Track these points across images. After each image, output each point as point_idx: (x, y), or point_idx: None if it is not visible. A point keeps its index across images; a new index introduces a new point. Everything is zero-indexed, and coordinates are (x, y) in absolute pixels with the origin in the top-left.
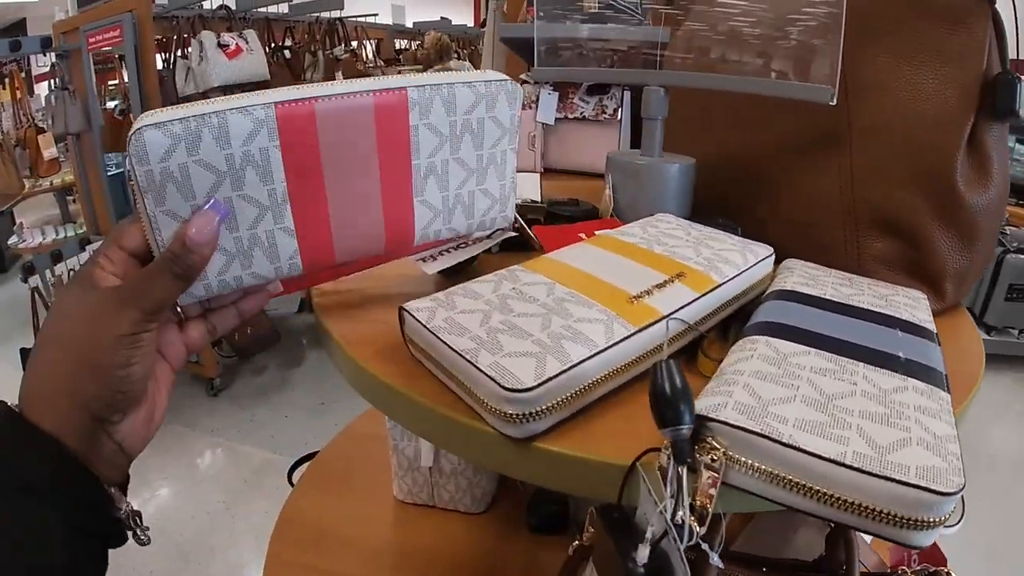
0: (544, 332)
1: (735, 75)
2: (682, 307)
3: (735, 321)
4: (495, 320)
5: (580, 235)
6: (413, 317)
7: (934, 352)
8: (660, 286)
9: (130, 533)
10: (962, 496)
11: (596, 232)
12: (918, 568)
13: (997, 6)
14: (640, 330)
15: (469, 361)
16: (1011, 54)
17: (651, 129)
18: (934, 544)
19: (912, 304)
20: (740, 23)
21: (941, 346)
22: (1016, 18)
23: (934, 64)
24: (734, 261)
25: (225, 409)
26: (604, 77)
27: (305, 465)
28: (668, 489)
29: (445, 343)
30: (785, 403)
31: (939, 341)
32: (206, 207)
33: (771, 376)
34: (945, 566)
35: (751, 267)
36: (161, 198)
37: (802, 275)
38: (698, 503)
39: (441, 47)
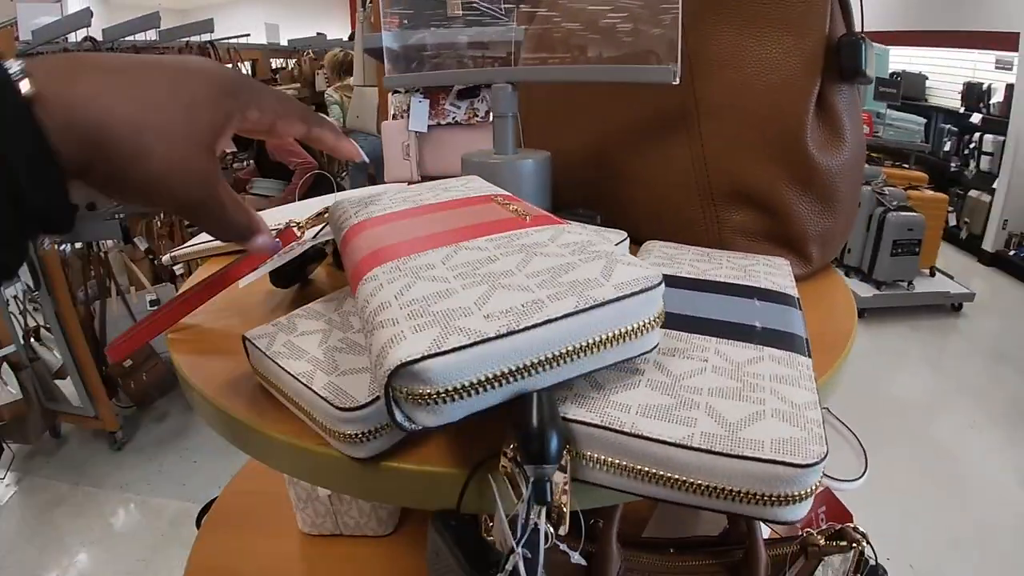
0: None
1: (580, 65)
2: None
3: None
4: (334, 339)
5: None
6: (254, 345)
7: (794, 317)
8: None
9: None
10: (864, 450)
11: None
12: (824, 527)
13: None
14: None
15: (305, 384)
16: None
17: (502, 127)
18: (837, 501)
19: (773, 271)
20: (585, 14)
21: (802, 309)
22: None
23: (777, 34)
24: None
25: (132, 462)
26: (449, 79)
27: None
28: (523, 494)
29: (283, 368)
30: (628, 390)
31: (800, 305)
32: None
33: (617, 365)
34: (851, 522)
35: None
36: None
37: (659, 256)
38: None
39: (340, 65)
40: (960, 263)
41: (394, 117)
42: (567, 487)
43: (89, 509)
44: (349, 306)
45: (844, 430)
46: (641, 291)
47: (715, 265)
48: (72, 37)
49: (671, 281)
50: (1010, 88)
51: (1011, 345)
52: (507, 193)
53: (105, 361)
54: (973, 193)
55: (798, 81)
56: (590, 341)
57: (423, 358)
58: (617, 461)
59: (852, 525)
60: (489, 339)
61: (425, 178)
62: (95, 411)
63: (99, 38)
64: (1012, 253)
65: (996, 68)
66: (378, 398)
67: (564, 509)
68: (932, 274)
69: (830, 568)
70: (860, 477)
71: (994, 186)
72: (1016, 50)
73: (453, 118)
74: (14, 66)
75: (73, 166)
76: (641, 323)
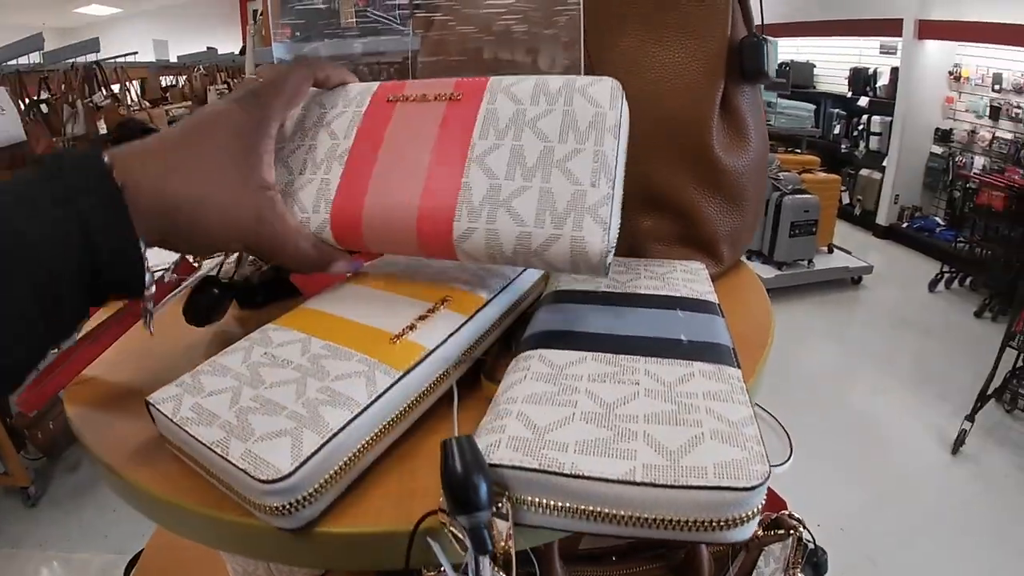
0: (299, 402)
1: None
2: (449, 336)
3: (517, 331)
4: (245, 398)
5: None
6: (159, 411)
7: (717, 325)
8: (423, 317)
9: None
10: (787, 433)
11: (364, 266)
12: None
13: None
14: (405, 374)
15: (220, 455)
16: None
17: None
18: (770, 489)
19: (691, 278)
20: (482, 20)
21: (724, 315)
22: None
23: (679, 38)
24: (503, 272)
25: (49, 517)
26: None
27: None
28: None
29: (194, 437)
30: (563, 426)
31: (721, 311)
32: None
33: (547, 397)
34: (786, 509)
35: (520, 274)
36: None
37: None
38: (497, 551)
39: None
40: (856, 239)
41: None
42: (511, 531)
43: (9, 572)
44: (258, 355)
45: (764, 414)
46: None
47: (633, 275)
48: None
49: (591, 298)
50: (895, 71)
51: (910, 311)
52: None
53: (8, 412)
54: (864, 172)
55: (701, 85)
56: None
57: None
58: (560, 503)
59: (787, 512)
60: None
61: None
62: (3, 466)
63: None
64: (905, 225)
65: (880, 53)
66: (304, 464)
67: (511, 552)
68: (830, 251)
69: (771, 557)
70: (787, 461)
71: (884, 164)
72: (900, 35)
73: None
74: (104, 157)
75: (151, 240)
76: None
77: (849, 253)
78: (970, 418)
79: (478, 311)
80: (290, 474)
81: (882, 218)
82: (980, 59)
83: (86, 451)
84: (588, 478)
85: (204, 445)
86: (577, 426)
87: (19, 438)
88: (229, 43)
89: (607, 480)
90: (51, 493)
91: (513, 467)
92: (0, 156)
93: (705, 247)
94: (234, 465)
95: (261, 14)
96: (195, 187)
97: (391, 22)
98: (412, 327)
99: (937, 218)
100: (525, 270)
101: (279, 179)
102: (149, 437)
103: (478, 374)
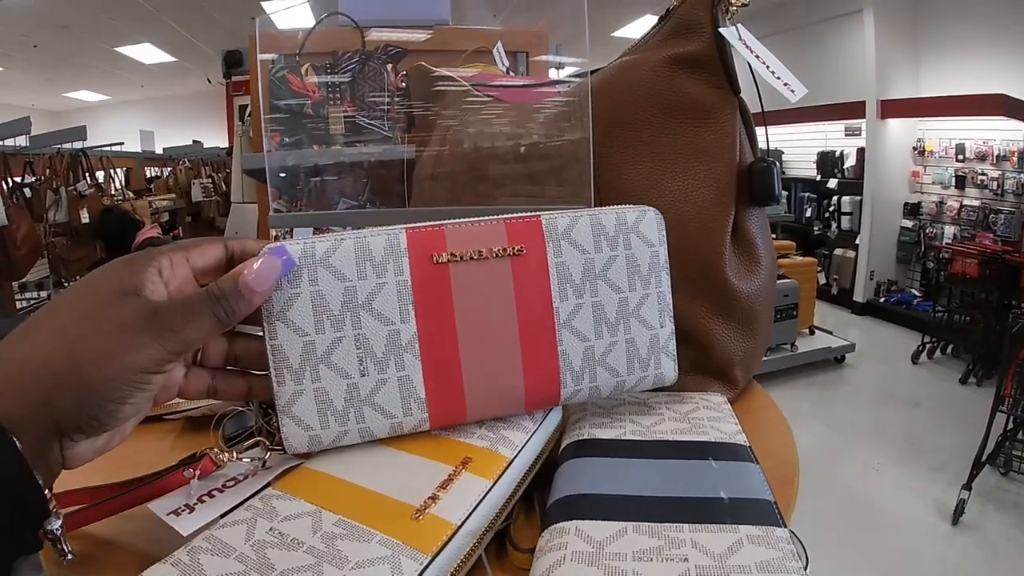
0: None
1: (485, 205)
2: (476, 507)
3: (537, 485)
4: None
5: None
6: None
7: (754, 476)
8: (445, 485)
9: (59, 547)
10: (801, 543)
11: None
12: None
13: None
14: (434, 558)
15: None
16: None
17: None
18: None
19: (715, 415)
20: (489, 149)
21: (757, 461)
22: (759, 95)
23: (688, 163)
24: (520, 423)
25: None
26: (340, 222)
27: None
28: None
29: None
30: None
31: (754, 456)
32: (271, 252)
33: None
34: None
35: (540, 424)
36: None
37: (595, 413)
38: None
39: None
40: (836, 317)
41: (276, 238)
42: None
43: None
44: (263, 532)
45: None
46: None
47: (656, 418)
48: None
49: (616, 448)
50: (861, 151)
51: (895, 384)
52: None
53: None
54: (838, 251)
55: (712, 210)
56: None
57: None
58: None
59: None
60: None
61: None
62: None
63: None
64: (882, 300)
65: (846, 135)
66: None
67: None
68: (812, 332)
69: None
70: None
71: (856, 242)
72: (863, 116)
73: None
74: None
75: (35, 427)
76: None
77: (830, 333)
78: (967, 486)
79: (503, 473)
80: None
81: (859, 295)
82: (942, 132)
83: None
84: None
85: None
86: None
87: None
88: (215, 137)
89: None
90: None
91: None
92: None
93: (719, 373)
94: None
95: (249, 114)
96: (60, 347)
97: (381, 130)
98: (434, 498)
99: (913, 290)
100: (545, 418)
101: (325, 382)
102: None
103: (501, 539)
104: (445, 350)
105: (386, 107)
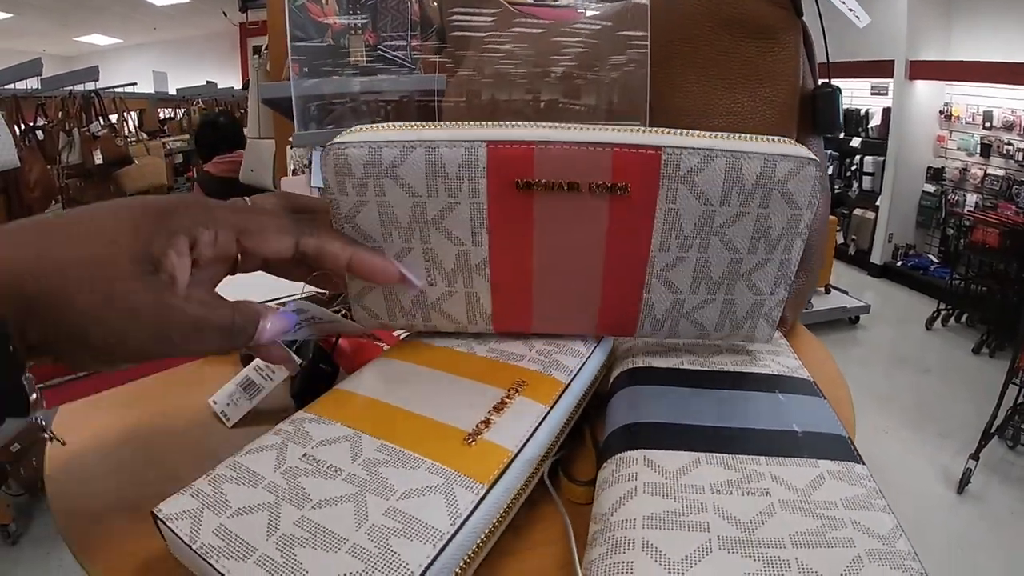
0: (362, 531)
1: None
2: (532, 433)
3: (588, 417)
4: (288, 521)
5: (380, 344)
6: (172, 532)
7: (825, 411)
8: (498, 408)
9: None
10: None
11: (399, 335)
12: None
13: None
14: (491, 487)
15: None
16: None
17: None
18: None
19: (775, 350)
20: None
21: (824, 396)
22: (823, 27)
23: (749, 84)
24: (573, 347)
25: (29, 557)
26: None
27: None
28: None
29: None
30: (703, 558)
31: (820, 390)
32: (283, 312)
33: (670, 518)
34: None
35: (594, 350)
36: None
37: (647, 341)
38: None
39: None
40: (852, 278)
41: (293, 172)
42: None
43: None
44: (295, 458)
45: None
46: None
47: (712, 348)
48: None
49: (675, 377)
50: (887, 112)
51: (908, 349)
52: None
53: None
54: (858, 212)
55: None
56: None
57: None
58: None
59: None
60: None
61: None
62: None
63: None
64: (899, 264)
65: (872, 94)
66: None
67: None
68: (828, 291)
69: None
70: None
71: (877, 203)
72: (891, 76)
73: None
74: None
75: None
76: None
77: (846, 293)
78: (975, 456)
79: (559, 398)
80: None
81: (876, 257)
82: (970, 97)
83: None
84: None
85: None
86: (718, 557)
87: (1, 473)
88: (228, 78)
89: None
90: (32, 531)
91: None
92: None
93: None
94: None
95: (266, 48)
96: (58, 261)
97: (402, 61)
98: (487, 422)
99: (931, 256)
100: (598, 345)
101: (394, 285)
102: (158, 549)
103: (553, 471)
104: (517, 288)
105: (408, 37)
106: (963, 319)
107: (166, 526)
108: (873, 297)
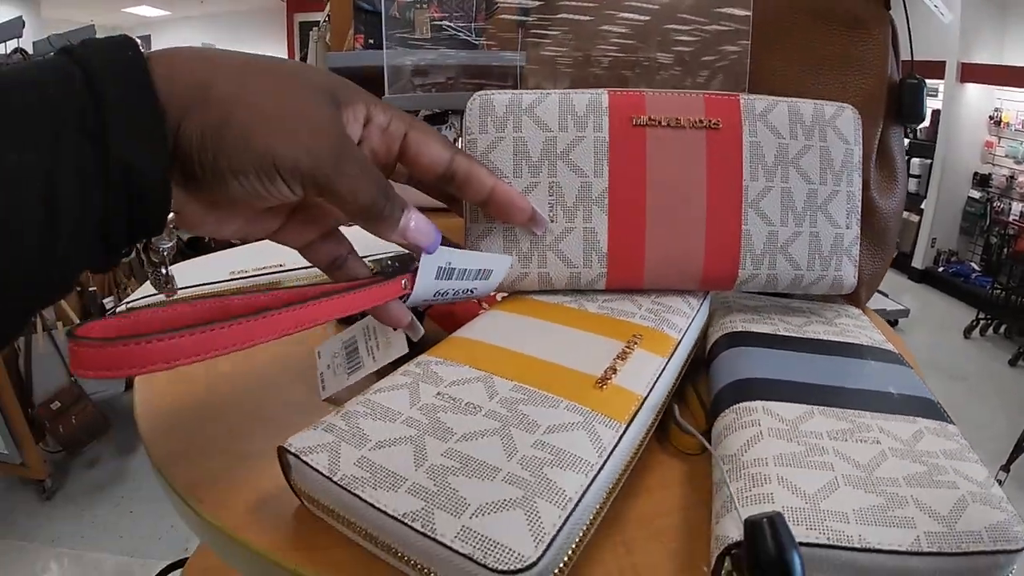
0: (514, 460)
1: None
2: (656, 380)
3: (688, 376)
4: (434, 452)
5: (481, 304)
6: (308, 465)
7: (914, 377)
8: (621, 357)
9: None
10: None
11: (500, 297)
12: None
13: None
14: (628, 426)
15: (423, 533)
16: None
17: None
18: None
19: (859, 324)
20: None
21: (911, 366)
22: (908, 22)
23: (839, 73)
24: (679, 308)
25: (63, 513)
26: (458, 103)
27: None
28: None
29: (374, 506)
30: (832, 491)
31: (906, 360)
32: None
33: (798, 458)
34: None
35: (698, 311)
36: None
37: (741, 309)
38: None
39: None
40: (892, 281)
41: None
42: None
43: (18, 567)
44: (429, 396)
45: None
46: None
47: (804, 319)
48: (0, 48)
49: (773, 341)
50: (936, 113)
51: (944, 357)
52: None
53: (31, 403)
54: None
55: (862, 122)
56: None
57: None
58: None
59: None
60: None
61: None
62: (21, 458)
63: (30, 51)
64: (940, 269)
65: None
66: (551, 545)
67: None
68: None
69: None
70: None
71: (922, 207)
72: (942, 77)
73: None
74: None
75: (173, 112)
76: None
77: (886, 295)
78: (1005, 468)
79: (674, 351)
80: (537, 560)
81: (918, 261)
82: (1021, 104)
83: (181, 506)
84: (878, 551)
85: (395, 519)
86: (846, 492)
87: (39, 430)
88: (274, 52)
89: (896, 552)
90: (67, 488)
91: (799, 543)
92: None
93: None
94: (448, 547)
95: (326, 20)
96: (244, 66)
97: (466, 36)
98: (614, 369)
99: (973, 263)
100: (700, 307)
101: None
102: (273, 487)
103: (662, 424)
104: (632, 209)
105: (474, 13)
106: (1002, 330)
107: (299, 459)
108: (912, 301)
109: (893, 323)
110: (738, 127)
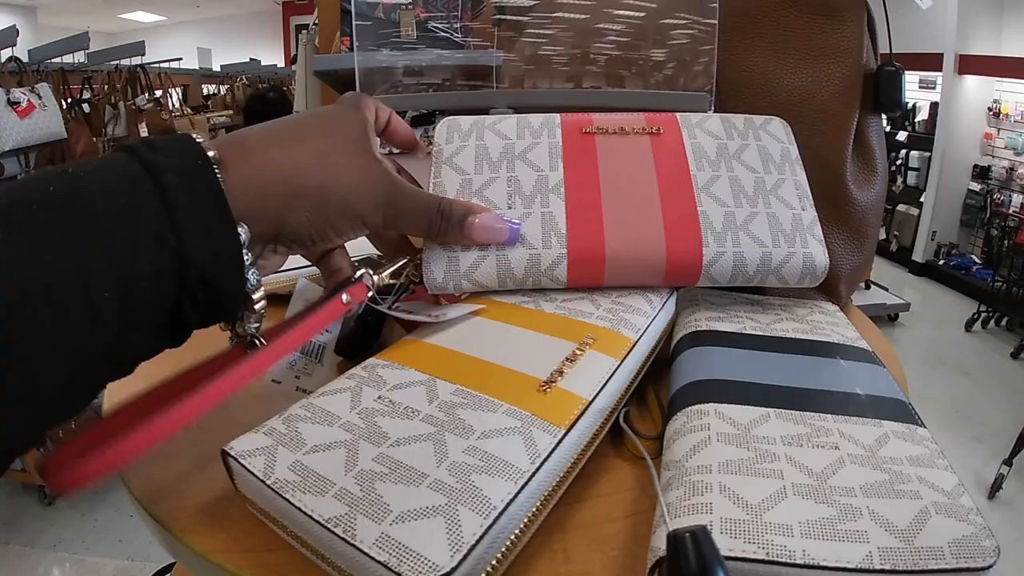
0: (443, 467)
1: (606, 90)
2: (604, 384)
3: (650, 376)
4: (366, 458)
5: (441, 299)
6: (244, 468)
7: (885, 377)
8: (570, 359)
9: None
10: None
11: (461, 295)
12: None
13: None
14: (567, 432)
15: (342, 538)
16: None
17: None
18: None
19: (832, 320)
20: (602, 35)
21: (884, 365)
22: (886, 9)
23: (813, 60)
24: (639, 307)
25: (64, 518)
26: (445, 102)
27: None
28: None
29: (301, 510)
30: (778, 502)
31: (879, 359)
32: (507, 220)
33: (745, 464)
34: None
35: (660, 310)
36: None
37: (708, 306)
38: None
39: None
40: (892, 274)
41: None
42: None
43: (21, 571)
44: (370, 400)
45: None
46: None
47: (772, 316)
48: None
49: (738, 340)
50: (934, 106)
51: (946, 350)
52: None
53: None
54: (901, 207)
55: (837, 111)
56: None
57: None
58: None
59: None
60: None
61: None
62: (21, 463)
63: (24, 59)
64: (941, 263)
65: (920, 88)
66: (468, 556)
67: None
68: (867, 287)
69: None
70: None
71: (921, 200)
72: (940, 70)
73: None
74: (198, 137)
75: (257, 229)
76: None
77: (886, 289)
78: (1008, 462)
79: (628, 353)
80: (452, 570)
81: (918, 255)
82: (1020, 95)
83: (136, 507)
84: (823, 567)
85: (317, 522)
86: (793, 502)
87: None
88: (271, 57)
89: (844, 569)
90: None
91: (734, 558)
92: (40, 152)
93: (825, 286)
94: (366, 554)
95: (314, 24)
96: (316, 166)
97: (452, 36)
98: (560, 372)
99: (974, 256)
100: (663, 305)
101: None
102: (221, 491)
103: (616, 427)
104: (588, 195)
105: (460, 13)
106: (1003, 322)
107: (238, 463)
108: (913, 295)
109: (894, 317)
110: (678, 132)
